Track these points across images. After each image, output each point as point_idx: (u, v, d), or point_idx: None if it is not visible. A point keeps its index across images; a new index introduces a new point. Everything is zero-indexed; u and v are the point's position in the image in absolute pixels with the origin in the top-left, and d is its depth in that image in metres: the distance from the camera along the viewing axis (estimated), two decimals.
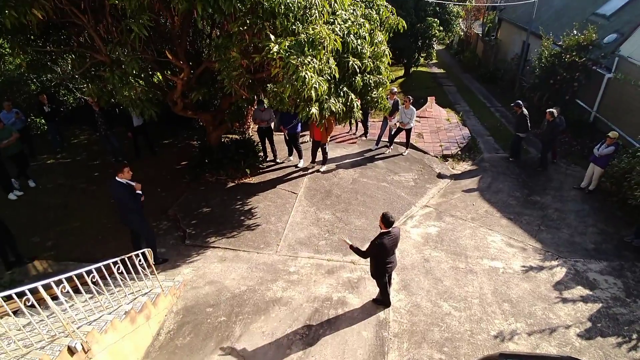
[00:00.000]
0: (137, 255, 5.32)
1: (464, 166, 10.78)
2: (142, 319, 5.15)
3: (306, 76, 5.39)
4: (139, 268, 5.31)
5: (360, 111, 7.48)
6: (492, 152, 11.42)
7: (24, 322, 4.47)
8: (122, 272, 4.95)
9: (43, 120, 11.13)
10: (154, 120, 7.74)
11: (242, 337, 5.52)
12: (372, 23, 7.25)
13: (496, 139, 12.25)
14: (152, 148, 10.69)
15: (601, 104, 11.45)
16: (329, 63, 5.93)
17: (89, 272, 4.42)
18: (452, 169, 10.67)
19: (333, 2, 6.23)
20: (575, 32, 11.73)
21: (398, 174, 10.08)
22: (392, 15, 7.85)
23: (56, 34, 7.32)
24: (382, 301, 6.02)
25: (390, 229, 5.29)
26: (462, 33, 23.52)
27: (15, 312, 4.15)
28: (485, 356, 5.08)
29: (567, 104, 11.78)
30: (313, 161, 10.20)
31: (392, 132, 11.07)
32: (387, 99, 8.25)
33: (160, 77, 8.39)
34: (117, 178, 6.02)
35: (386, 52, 7.43)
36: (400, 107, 10.62)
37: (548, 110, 9.65)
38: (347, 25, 6.50)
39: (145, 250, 5.51)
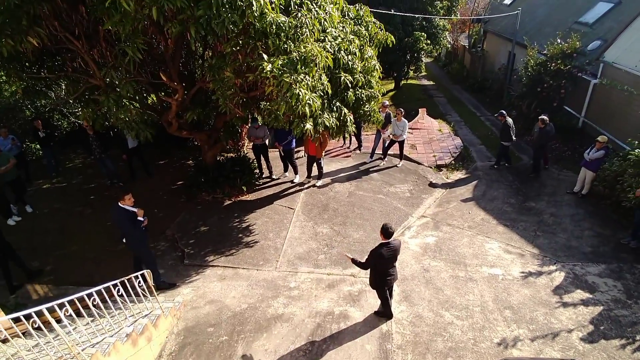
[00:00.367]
0: (136, 277, 5.28)
1: (458, 175, 10.90)
2: (144, 341, 5.09)
3: (300, 93, 5.50)
4: (139, 290, 5.27)
5: (354, 125, 7.58)
6: (484, 161, 11.57)
7: (32, 343, 4.52)
8: (122, 295, 4.92)
9: (38, 146, 11.16)
10: (149, 142, 7.79)
11: (245, 356, 5.46)
12: (362, 39, 7.42)
13: (488, 148, 12.43)
14: (147, 169, 10.70)
15: (589, 109, 11.70)
16: (321, 79, 6.05)
17: (89, 295, 4.41)
18: (447, 178, 10.77)
19: (323, 21, 6.37)
20: (559, 40, 12.06)
21: (393, 186, 10.16)
22: (381, 30, 8.04)
23: (50, 60, 7.41)
24: (384, 313, 6.00)
25: (390, 240, 5.32)
26: (449, 46, 24.03)
27: (23, 334, 4.23)
28: None
29: (555, 110, 12.02)
30: (309, 176, 10.26)
31: (386, 145, 11.20)
32: (379, 112, 8.38)
33: (155, 98, 8.48)
34: (119, 204, 6.01)
35: (376, 67, 7.58)
36: (392, 120, 10.77)
37: (540, 117, 9.84)
38: (337, 42, 6.65)
39: (145, 271, 5.48)
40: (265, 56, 5.61)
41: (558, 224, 8.35)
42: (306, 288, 6.70)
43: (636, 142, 8.11)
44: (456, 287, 6.68)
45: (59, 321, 4.20)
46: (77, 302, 4.33)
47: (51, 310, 3.96)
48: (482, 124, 14.69)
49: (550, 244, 7.73)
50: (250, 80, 6.16)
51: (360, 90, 7.34)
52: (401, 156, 11.27)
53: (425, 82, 22.19)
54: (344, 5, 7.52)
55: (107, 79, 6.45)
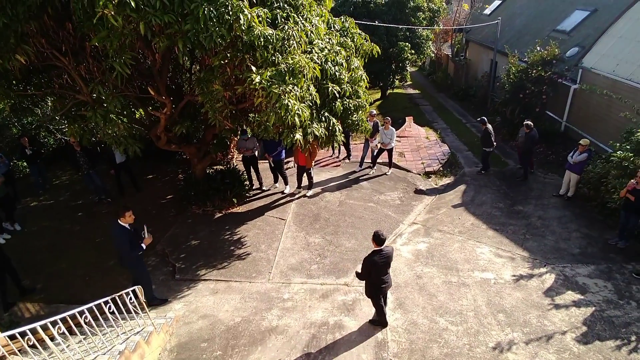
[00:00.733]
0: (127, 293, 5.20)
1: (447, 181, 11.03)
2: (136, 358, 4.98)
3: (289, 104, 5.55)
4: (130, 306, 5.18)
5: (343, 134, 7.65)
6: (472, 167, 11.74)
7: None
8: (113, 312, 4.83)
9: (25, 163, 11.00)
10: (138, 156, 7.74)
11: None
12: (348, 50, 7.54)
13: (475, 154, 12.62)
14: (135, 184, 10.60)
15: (570, 113, 12.02)
16: (309, 90, 6.12)
17: (81, 313, 4.35)
18: (436, 185, 10.90)
19: (309, 33, 6.47)
20: (538, 48, 12.42)
21: (384, 194, 10.23)
22: (366, 41, 8.18)
23: (37, 77, 7.36)
24: (379, 321, 5.99)
25: (382, 247, 5.35)
26: (433, 55, 24.50)
27: (19, 351, 4.18)
28: None
29: (538, 116, 12.31)
30: (299, 186, 10.28)
31: (375, 153, 11.30)
32: (367, 121, 8.48)
33: (143, 112, 8.45)
34: (119, 221, 5.91)
35: (363, 77, 7.70)
36: (380, 128, 10.90)
37: (525, 122, 10.07)
38: (324, 53, 6.75)
39: (136, 287, 5.39)
40: (253, 68, 5.67)
41: (546, 226, 8.49)
42: (300, 299, 6.67)
43: (618, 144, 8.34)
44: (449, 292, 6.71)
45: (52, 339, 4.14)
46: (69, 319, 4.27)
47: (44, 328, 3.93)
48: (468, 131, 14.95)
49: (539, 247, 7.84)
50: (239, 92, 6.20)
51: (347, 100, 7.43)
52: (390, 164, 11.38)
53: (411, 90, 22.54)
54: (330, 18, 7.66)
55: (94, 95, 6.42)
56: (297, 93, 5.73)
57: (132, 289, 5.36)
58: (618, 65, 10.34)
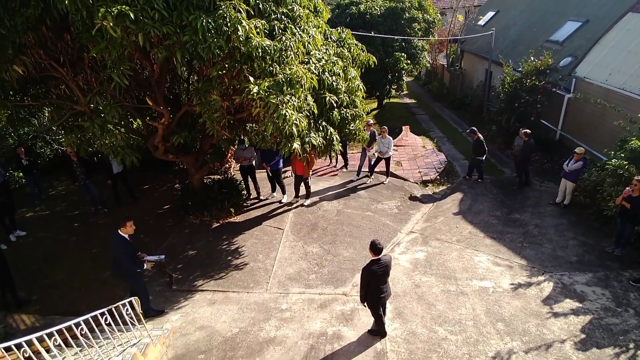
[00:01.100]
0: (123, 305, 5.15)
1: (444, 190, 11.06)
2: None
3: (286, 114, 5.58)
4: (127, 318, 5.13)
5: (340, 144, 7.69)
6: None
7: None
8: (109, 323, 4.78)
9: (21, 174, 10.95)
10: (135, 166, 7.74)
11: None
12: (345, 60, 7.63)
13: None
14: (132, 194, 10.56)
15: (565, 122, 12.14)
16: (307, 100, 6.16)
17: (77, 325, 4.31)
18: (433, 193, 10.92)
19: (307, 44, 6.54)
20: (532, 58, 12.58)
21: (381, 203, 10.24)
22: (363, 52, 8.28)
23: (34, 87, 7.37)
24: (378, 331, 5.95)
25: (380, 257, 5.33)
26: (429, 65, 24.74)
27: None
28: None
29: (533, 124, 12.42)
30: (297, 196, 10.27)
31: (372, 162, 11.34)
32: (364, 130, 8.53)
33: (140, 123, 8.46)
34: (119, 231, 5.88)
35: (360, 87, 7.77)
36: (377, 138, 10.95)
37: (523, 131, 10.19)
38: (321, 64, 6.82)
39: (132, 298, 5.35)
40: (251, 79, 5.71)
41: (543, 234, 8.52)
42: (298, 309, 6.62)
43: (612, 152, 8.41)
44: (448, 301, 6.69)
45: (48, 351, 4.11)
46: (65, 331, 4.24)
47: (40, 340, 3.91)
48: (464, 140, 15.03)
49: (537, 255, 7.85)
50: (237, 103, 6.25)
51: (345, 109, 7.49)
52: (387, 173, 11.41)
53: (407, 100, 22.71)
54: (327, 29, 7.75)
55: (92, 105, 6.44)
56: (295, 103, 5.77)
57: (128, 300, 5.32)
58: (611, 75, 10.49)
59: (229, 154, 11.71)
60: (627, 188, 7.12)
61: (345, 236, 8.70)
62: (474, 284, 7.09)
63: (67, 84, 6.80)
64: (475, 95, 18.32)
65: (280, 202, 10.23)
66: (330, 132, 7.19)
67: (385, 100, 20.80)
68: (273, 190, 10.64)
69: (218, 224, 9.29)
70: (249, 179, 10.43)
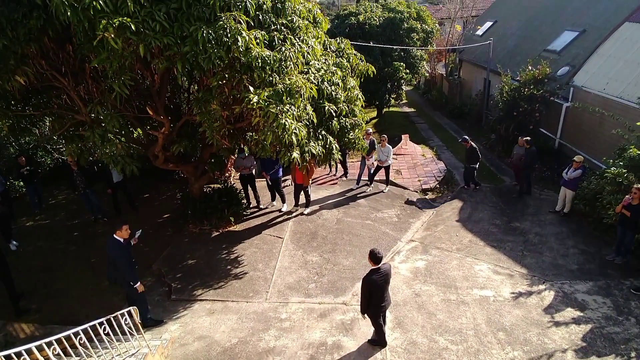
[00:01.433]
0: (122, 315, 5.13)
1: (444, 198, 11.06)
2: None
3: (286, 123, 5.61)
4: (125, 328, 5.10)
5: (339, 153, 7.71)
6: None
7: None
8: (108, 333, 4.76)
9: (22, 183, 10.97)
10: (135, 175, 7.76)
11: None
12: (344, 70, 7.69)
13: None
14: (132, 203, 10.57)
15: (563, 130, 12.19)
16: (306, 109, 6.20)
17: (76, 334, 4.30)
18: (433, 202, 10.92)
19: (306, 54, 6.61)
20: (530, 67, 12.69)
21: (381, 211, 10.24)
22: (362, 62, 8.35)
23: (36, 97, 7.42)
24: (378, 341, 5.91)
25: (379, 266, 5.32)
26: (428, 74, 24.93)
27: None
28: None
29: (532, 133, 12.46)
30: (296, 204, 10.28)
31: (372, 171, 11.36)
32: (363, 139, 8.57)
33: (141, 132, 8.50)
34: (114, 236, 5.91)
35: (359, 96, 7.82)
36: (377, 146, 10.99)
37: (524, 138, 10.26)
38: (320, 73, 6.88)
39: (131, 308, 5.32)
40: (251, 88, 5.76)
41: (543, 243, 8.50)
42: (297, 319, 6.58)
43: (611, 160, 8.44)
44: (448, 310, 6.65)
45: None
46: (64, 340, 4.22)
47: (40, 349, 3.91)
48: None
49: (537, 263, 7.83)
50: (237, 112, 6.28)
51: (344, 119, 7.53)
52: (387, 181, 11.43)
53: (406, 109, 22.82)
54: (326, 39, 7.83)
55: (93, 115, 6.48)
56: (294, 112, 5.81)
57: (127, 309, 5.29)
58: (608, 84, 10.57)
59: (229, 163, 11.74)
60: (627, 196, 7.13)
61: (345, 245, 8.68)
62: (474, 293, 7.06)
63: (69, 94, 6.85)
64: (474, 104, 18.42)
65: (280, 210, 10.23)
66: (330, 141, 7.22)
67: (384, 109, 20.91)
68: (273, 199, 10.64)
69: (218, 233, 9.27)
70: (249, 188, 10.45)
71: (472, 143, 10.75)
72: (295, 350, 5.93)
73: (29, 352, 3.84)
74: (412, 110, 22.55)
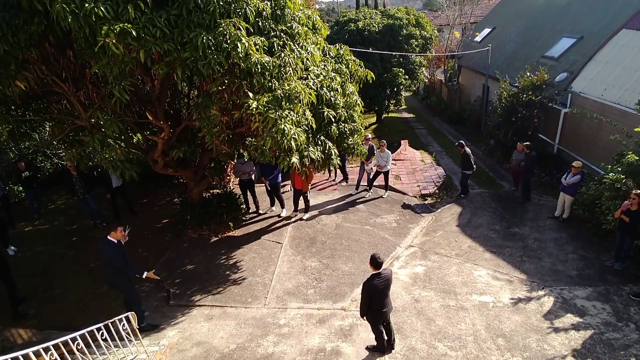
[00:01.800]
0: (120, 320, 5.11)
1: (443, 204, 11.07)
2: None
3: (285, 128, 5.64)
4: (123, 333, 5.08)
5: (338, 158, 7.73)
6: None
7: None
8: (106, 339, 4.74)
9: (21, 188, 10.97)
10: (134, 180, 7.77)
11: None
12: (343, 76, 7.73)
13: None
14: (131, 208, 10.56)
15: (562, 136, 12.23)
16: (305, 115, 6.23)
17: (74, 339, 4.28)
18: (432, 207, 10.93)
19: (305, 60, 6.65)
20: (528, 73, 12.77)
21: (380, 216, 10.24)
22: (361, 68, 8.40)
23: (36, 102, 7.46)
24: (377, 347, 5.88)
25: (380, 271, 5.31)
26: (427, 80, 25.06)
27: None
28: None
29: (531, 138, 12.51)
30: (295, 210, 10.27)
31: (371, 176, 11.38)
32: (362, 144, 8.59)
33: (140, 137, 8.53)
34: (108, 237, 5.92)
35: (358, 102, 7.86)
36: (376, 152, 11.02)
37: (525, 143, 10.31)
38: (319, 79, 6.92)
39: (129, 314, 5.31)
40: (250, 94, 5.80)
41: (542, 248, 8.49)
42: (296, 324, 6.56)
43: (609, 166, 8.46)
44: (448, 316, 6.63)
45: None
46: (61, 346, 4.21)
47: (37, 354, 3.89)
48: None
49: (536, 269, 7.82)
50: (236, 117, 6.31)
51: (343, 124, 7.56)
52: (386, 187, 11.44)
53: (405, 114, 22.90)
54: (325, 45, 7.89)
55: (93, 120, 6.51)
56: (293, 118, 5.84)
57: (125, 315, 5.28)
58: (606, 90, 10.63)
59: (228, 168, 11.76)
60: (626, 202, 7.14)
61: (344, 250, 8.67)
62: (473, 299, 7.04)
63: (69, 99, 6.88)
64: (473, 109, 18.50)
65: (279, 216, 10.23)
66: (329, 147, 7.25)
67: (384, 115, 21.00)
68: (272, 204, 10.65)
69: (217, 238, 9.26)
70: (248, 193, 10.45)
71: (467, 149, 10.72)
72: (293, 356, 5.90)
73: (26, 357, 3.82)
74: (412, 115, 22.62)
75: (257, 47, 5.68)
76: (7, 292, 6.84)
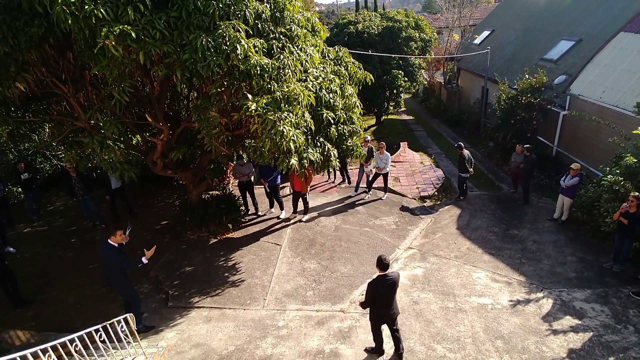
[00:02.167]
0: (118, 322, 5.11)
1: (442, 206, 11.07)
2: None
3: (284, 130, 5.66)
4: (122, 335, 5.08)
5: (337, 159, 7.74)
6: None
7: None
8: (104, 340, 4.73)
9: (20, 189, 10.97)
10: (133, 181, 7.77)
11: None
12: (342, 78, 7.76)
13: (469, 178, 12.72)
14: (130, 210, 10.56)
15: (561, 138, 12.25)
16: (304, 117, 6.25)
17: (72, 341, 4.27)
18: (431, 209, 10.94)
19: (304, 62, 6.67)
20: (527, 76, 12.81)
21: (379, 218, 10.24)
22: (360, 70, 8.43)
23: (35, 103, 7.47)
24: (376, 349, 5.88)
25: (387, 272, 5.29)
26: (426, 82, 25.11)
27: None
28: None
29: (530, 140, 12.53)
30: (295, 211, 10.28)
31: (371, 178, 11.39)
32: (361, 146, 8.61)
33: (140, 139, 8.54)
34: (108, 240, 5.93)
35: (357, 104, 7.88)
36: (375, 154, 11.03)
37: (525, 146, 10.34)
38: (318, 81, 6.94)
39: (127, 315, 5.30)
40: (249, 96, 5.81)
41: (541, 250, 8.50)
42: (295, 326, 6.55)
43: (608, 168, 8.47)
44: (446, 318, 6.63)
45: None
46: (60, 348, 4.20)
47: (35, 356, 3.87)
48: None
49: (535, 271, 7.82)
50: (235, 119, 6.33)
51: (342, 126, 7.58)
52: (386, 189, 11.44)
53: (405, 116, 22.94)
54: (324, 47, 7.91)
55: (92, 121, 6.52)
56: (292, 120, 5.85)
57: (123, 317, 5.27)
58: (604, 92, 10.66)
59: (228, 170, 11.76)
60: (624, 204, 7.15)
61: (343, 252, 8.67)
62: (472, 301, 7.04)
63: (69, 101, 6.90)
64: (472, 112, 18.53)
65: (278, 217, 10.23)
66: (328, 148, 7.26)
67: (383, 117, 21.04)
68: (271, 206, 10.65)
69: (216, 240, 9.26)
70: (247, 195, 10.45)
71: (464, 151, 10.70)
72: (292, 358, 5.89)
73: (23, 358, 3.80)
74: (411, 118, 22.66)
75: (257, 49, 5.70)
76: (8, 289, 6.92)
